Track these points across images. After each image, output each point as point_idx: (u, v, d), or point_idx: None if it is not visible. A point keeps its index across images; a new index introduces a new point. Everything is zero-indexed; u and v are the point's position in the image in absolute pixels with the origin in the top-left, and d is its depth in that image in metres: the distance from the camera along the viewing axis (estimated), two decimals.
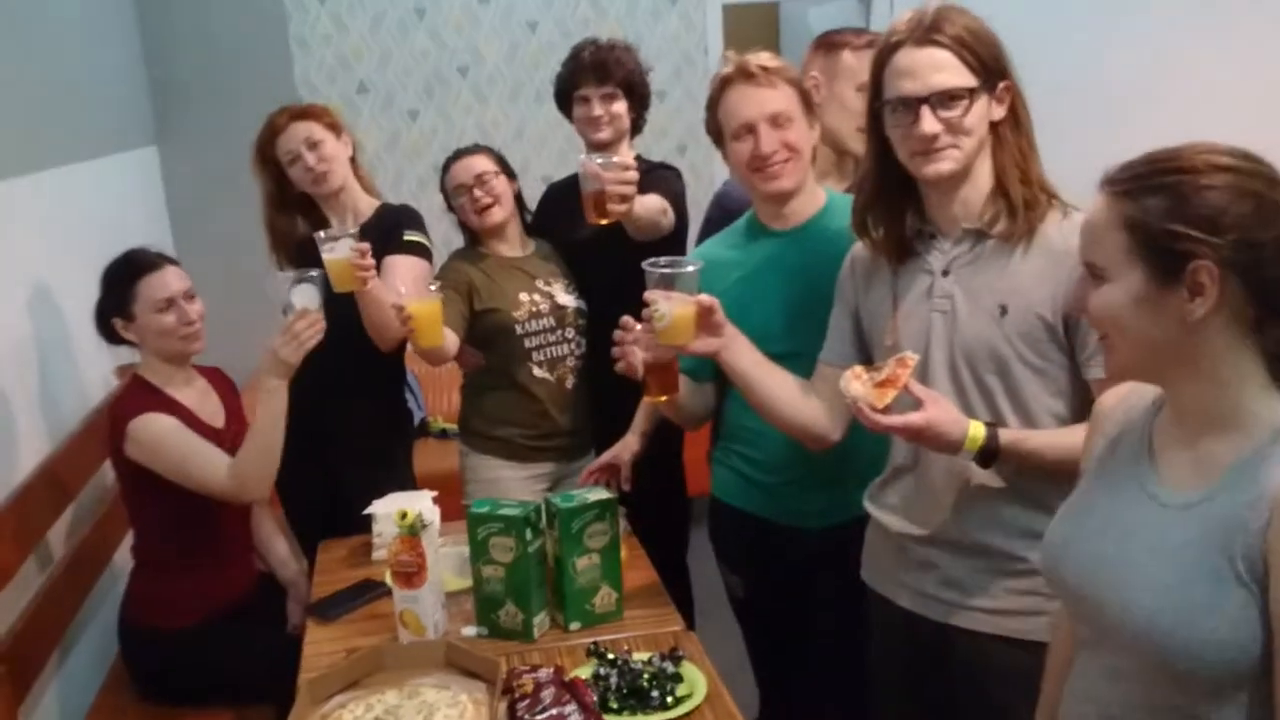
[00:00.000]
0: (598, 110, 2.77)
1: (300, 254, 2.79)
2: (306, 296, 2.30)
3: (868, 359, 1.84)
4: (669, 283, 1.78)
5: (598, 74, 2.76)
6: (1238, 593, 1.13)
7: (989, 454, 1.60)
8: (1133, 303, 1.19)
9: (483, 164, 2.73)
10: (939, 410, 1.58)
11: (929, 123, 1.62)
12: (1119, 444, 1.34)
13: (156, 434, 2.39)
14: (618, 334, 1.88)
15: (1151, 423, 1.30)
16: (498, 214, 2.73)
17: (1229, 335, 1.17)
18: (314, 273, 2.31)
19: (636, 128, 2.88)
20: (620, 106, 2.78)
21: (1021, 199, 1.64)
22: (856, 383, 1.60)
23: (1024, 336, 1.63)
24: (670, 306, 1.78)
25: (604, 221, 2.29)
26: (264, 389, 2.33)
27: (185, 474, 2.38)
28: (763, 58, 2.04)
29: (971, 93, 1.61)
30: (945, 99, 1.61)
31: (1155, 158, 1.21)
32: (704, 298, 1.79)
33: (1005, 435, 1.61)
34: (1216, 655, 1.13)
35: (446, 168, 2.78)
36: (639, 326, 1.85)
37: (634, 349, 1.88)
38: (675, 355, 1.91)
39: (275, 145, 2.70)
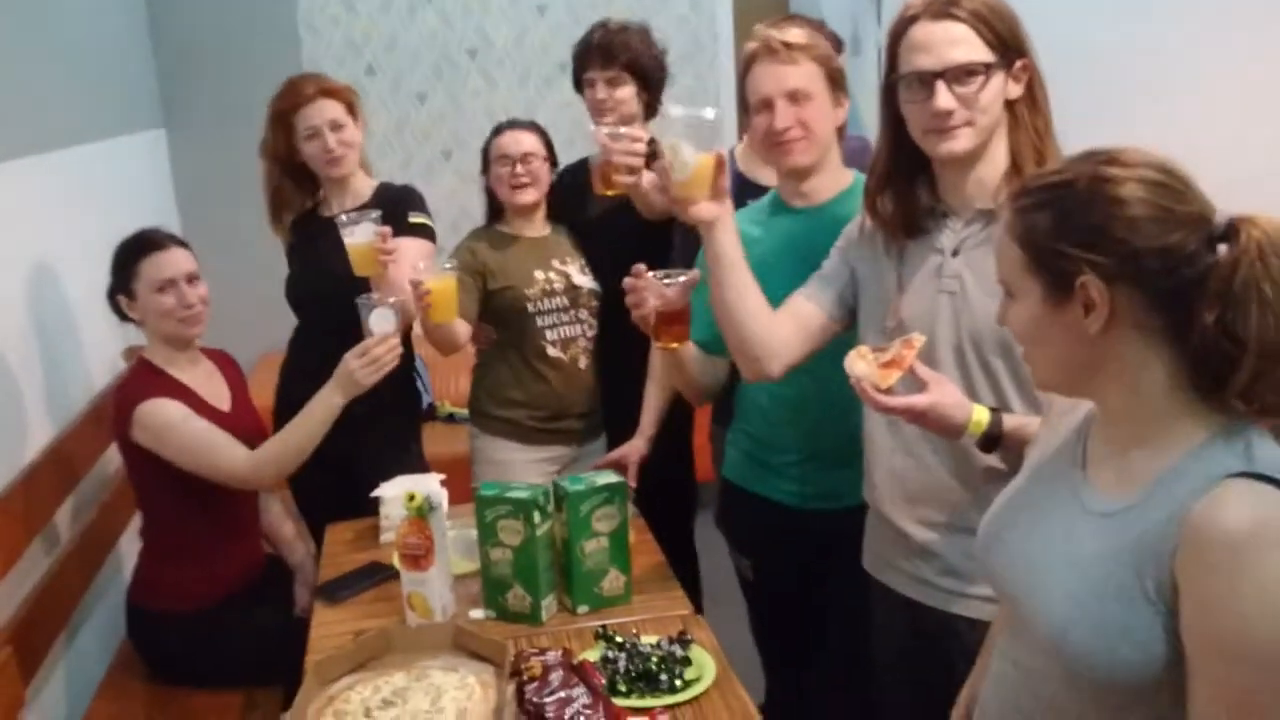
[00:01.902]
0: (601, 94, 2.75)
1: (298, 224, 2.80)
2: (385, 322, 2.32)
3: (847, 314, 1.85)
4: (691, 129, 1.72)
5: (603, 57, 2.74)
6: (1145, 612, 1.10)
7: (992, 439, 1.58)
8: (1035, 319, 1.20)
9: (532, 144, 2.73)
10: (943, 393, 1.56)
11: (944, 98, 1.59)
12: (1061, 440, 1.32)
13: (165, 420, 2.38)
14: (629, 281, 1.87)
15: (1090, 424, 1.28)
16: (531, 195, 2.74)
17: (1138, 346, 1.14)
18: (391, 299, 2.33)
19: (651, 110, 2.86)
20: (626, 91, 2.76)
21: None
22: (861, 362, 1.58)
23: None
24: (693, 154, 1.70)
25: (610, 192, 2.30)
26: (325, 401, 2.37)
27: (196, 458, 2.39)
28: (790, 34, 2.02)
29: (988, 68, 1.59)
30: (961, 74, 1.59)
31: (1048, 172, 1.20)
32: (721, 150, 1.74)
33: (1009, 420, 1.59)
34: (1123, 673, 1.12)
35: (498, 132, 2.77)
36: (650, 274, 1.85)
37: (646, 295, 1.86)
38: (687, 303, 1.90)
39: (297, 114, 2.67)
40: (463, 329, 2.61)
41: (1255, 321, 1.07)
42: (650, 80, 2.80)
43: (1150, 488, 1.14)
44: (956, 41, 1.59)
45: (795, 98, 2.00)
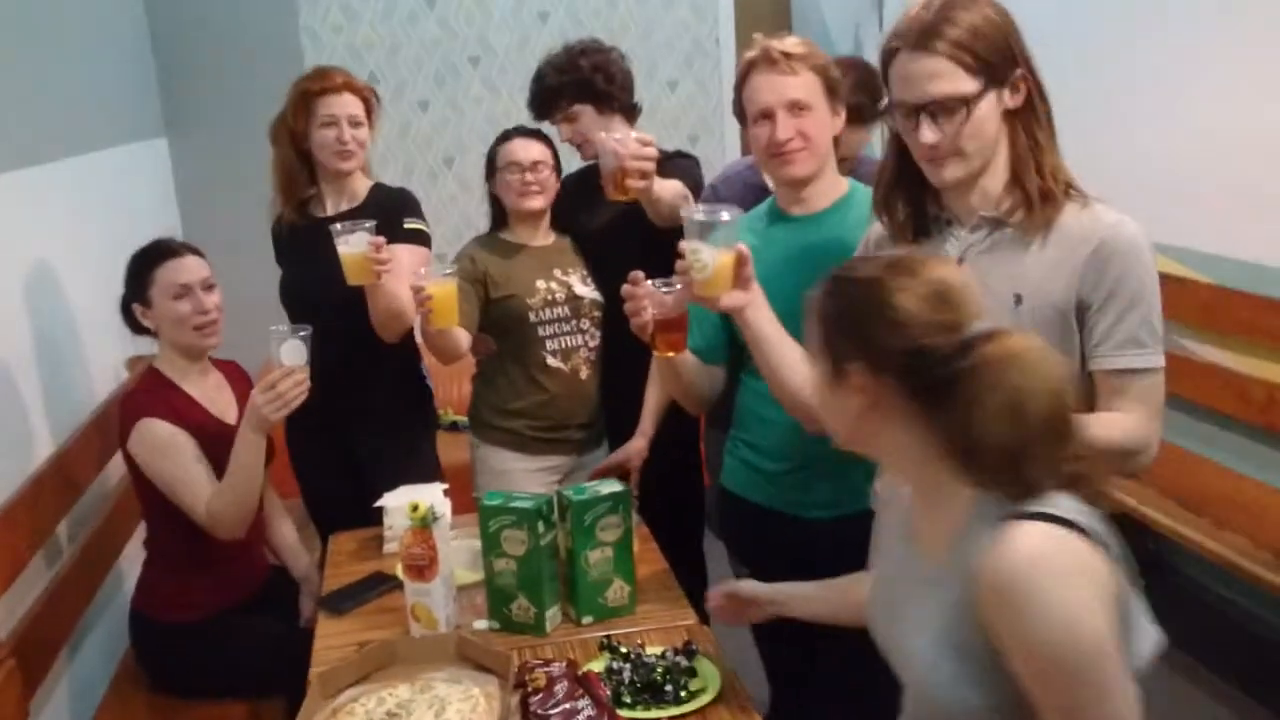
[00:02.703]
0: (567, 135, 2.80)
1: (301, 213, 2.80)
2: (294, 353, 2.25)
3: None
4: (709, 231, 1.74)
5: (545, 109, 2.82)
6: (981, 661, 1.20)
7: None
8: (822, 389, 1.35)
9: (541, 152, 2.74)
10: None
11: (926, 132, 1.59)
12: (899, 500, 1.43)
13: (157, 443, 2.38)
14: (626, 289, 1.86)
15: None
16: (538, 202, 2.74)
17: (902, 428, 1.27)
18: (303, 330, 2.27)
19: (629, 109, 2.86)
20: (585, 119, 2.77)
21: (1037, 191, 1.61)
22: None
23: (1037, 326, 1.61)
24: (713, 256, 1.74)
25: (623, 198, 2.31)
26: (243, 440, 2.32)
27: (171, 492, 2.39)
28: (788, 43, 2.02)
29: (969, 100, 1.56)
30: (942, 108, 1.57)
31: (852, 264, 1.39)
32: (741, 246, 1.77)
33: None
34: (984, 715, 1.23)
35: (506, 138, 2.78)
36: (648, 283, 1.84)
37: (644, 303, 1.86)
38: (685, 311, 1.89)
39: (321, 99, 2.67)
40: (463, 337, 2.60)
41: (985, 424, 1.18)
42: (604, 89, 2.78)
43: (950, 549, 1.26)
44: (935, 76, 1.56)
45: (795, 108, 2.01)
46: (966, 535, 1.22)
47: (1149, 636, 1.24)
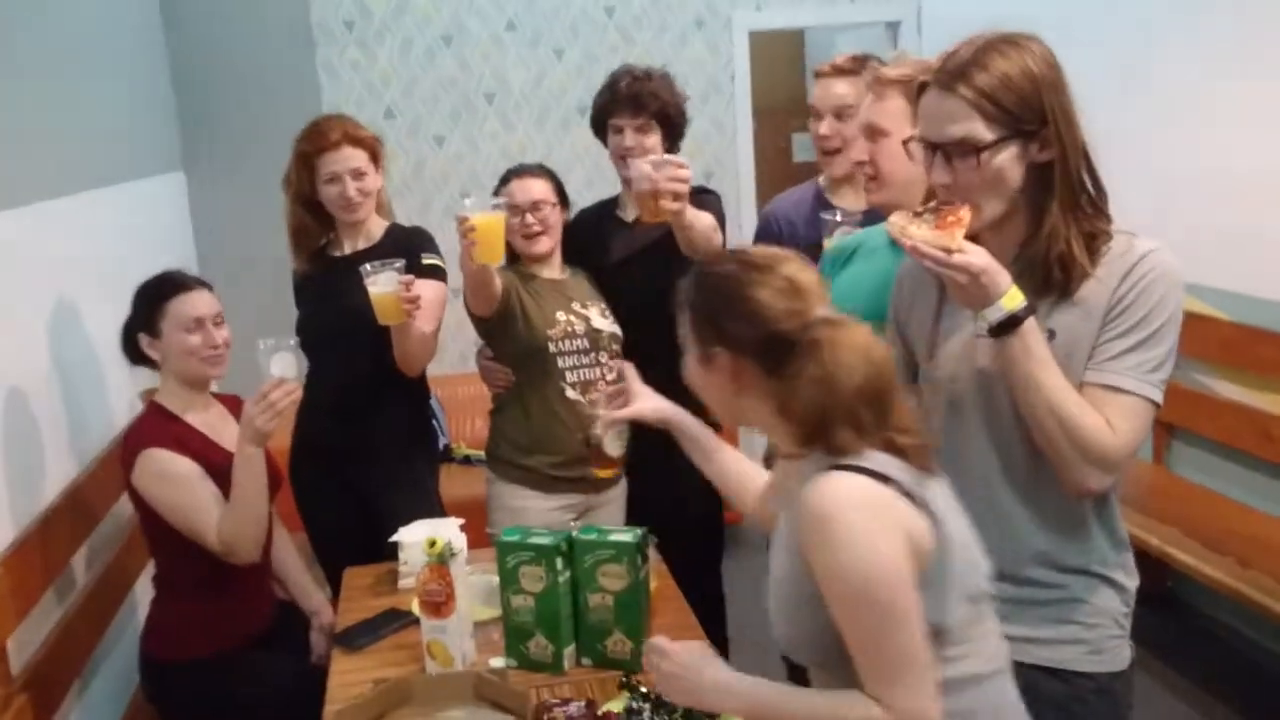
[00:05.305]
0: (629, 141, 2.75)
1: (318, 257, 2.81)
2: (284, 365, 2.26)
3: (913, 376, 1.81)
4: (835, 229, 1.86)
5: (632, 106, 2.74)
6: (814, 602, 1.36)
7: (1016, 320, 1.52)
8: (694, 371, 1.51)
9: (541, 190, 2.72)
10: (990, 259, 1.52)
11: (939, 173, 1.58)
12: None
13: (162, 472, 2.38)
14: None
15: None
16: (544, 244, 2.73)
17: (760, 398, 1.45)
18: (291, 341, 2.28)
19: (671, 153, 2.86)
20: (653, 139, 2.75)
21: (1056, 258, 1.57)
22: (914, 225, 1.54)
23: (1067, 361, 1.59)
24: None
25: (656, 220, 2.31)
26: (241, 455, 2.32)
27: (183, 521, 2.37)
28: (893, 69, 1.97)
29: (982, 148, 1.54)
30: (958, 150, 1.56)
31: (718, 258, 1.56)
32: None
33: (1032, 321, 1.54)
34: (822, 654, 1.40)
35: (507, 179, 2.77)
36: None
37: None
38: None
39: (320, 157, 2.68)
40: (497, 282, 2.56)
41: (801, 390, 1.38)
42: (675, 128, 2.80)
43: (793, 505, 1.41)
44: (954, 119, 1.55)
45: (873, 133, 1.97)
46: (801, 488, 1.38)
47: (962, 594, 1.39)
